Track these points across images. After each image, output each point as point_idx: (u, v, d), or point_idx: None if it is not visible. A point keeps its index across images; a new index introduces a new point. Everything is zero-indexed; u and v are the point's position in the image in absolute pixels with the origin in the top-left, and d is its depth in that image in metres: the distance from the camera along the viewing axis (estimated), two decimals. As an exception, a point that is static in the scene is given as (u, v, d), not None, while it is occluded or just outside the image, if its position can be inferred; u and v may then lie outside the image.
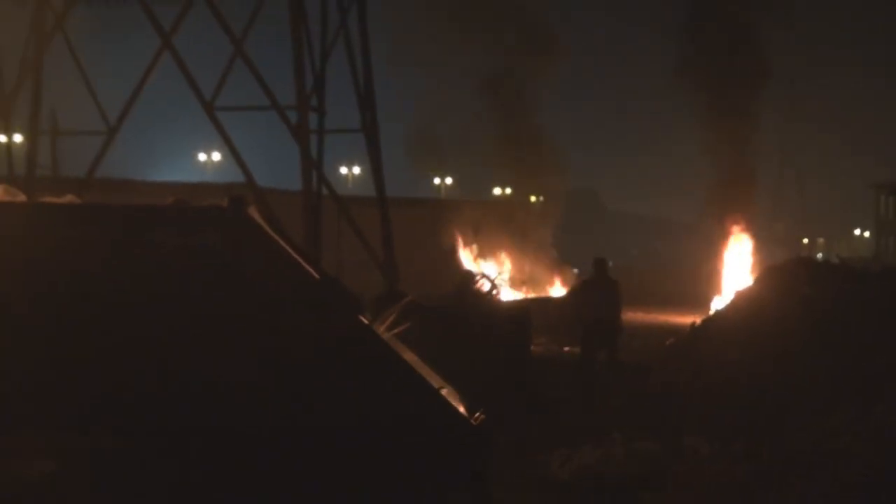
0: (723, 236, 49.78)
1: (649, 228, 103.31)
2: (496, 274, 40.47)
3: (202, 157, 75.81)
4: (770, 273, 36.22)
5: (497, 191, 57.87)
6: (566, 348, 31.69)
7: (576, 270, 49.30)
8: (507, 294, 37.98)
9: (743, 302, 34.57)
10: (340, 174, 62.24)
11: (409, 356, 9.00)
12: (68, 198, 10.82)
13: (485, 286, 36.23)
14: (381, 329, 9.13)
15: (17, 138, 34.54)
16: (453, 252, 44.76)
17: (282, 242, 9.09)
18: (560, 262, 49.54)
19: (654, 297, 47.53)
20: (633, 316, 41.75)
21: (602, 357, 24.10)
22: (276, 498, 8.40)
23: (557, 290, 44.81)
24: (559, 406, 20.51)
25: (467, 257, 44.91)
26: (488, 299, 33.16)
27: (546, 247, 49.53)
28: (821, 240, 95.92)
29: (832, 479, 14.36)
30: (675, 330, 36.70)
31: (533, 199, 55.18)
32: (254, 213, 9.00)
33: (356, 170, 58.48)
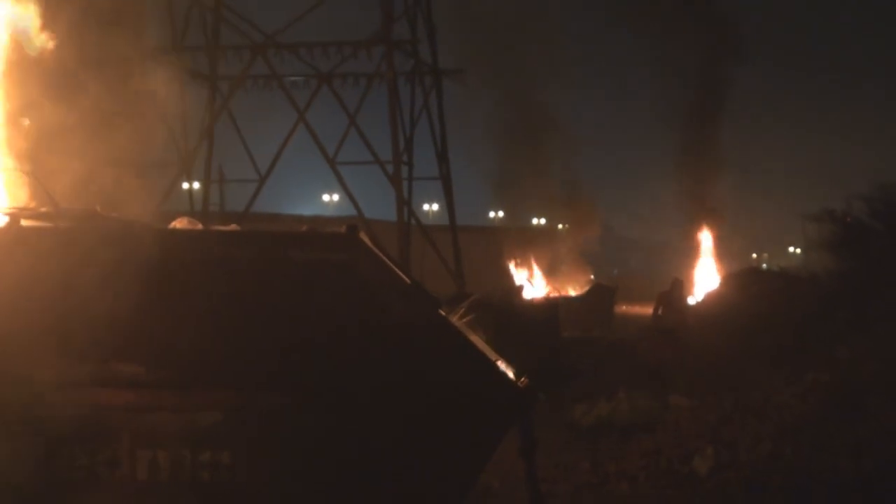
0: (695, 252, 49.59)
1: (627, 246, 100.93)
2: (534, 280, 40.39)
3: (326, 197, 75.76)
4: (729, 278, 36.19)
5: (535, 220, 57.60)
6: None
7: (592, 276, 48.90)
8: (542, 294, 37.79)
9: (710, 299, 34.63)
10: (423, 209, 62.15)
11: (474, 338, 9.00)
12: (232, 226, 10.89)
13: (526, 289, 36.20)
14: (453, 319, 9.14)
15: (196, 185, 34.69)
16: (504, 265, 44.58)
17: (384, 258, 9.13)
18: (586, 272, 49.17)
19: (645, 296, 47.27)
20: (630, 309, 41.61)
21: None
22: (385, 438, 8.42)
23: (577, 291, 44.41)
24: (581, 373, 20.45)
25: (514, 269, 44.69)
26: (529, 298, 33.12)
27: (570, 261, 49.24)
28: (765, 254, 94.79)
29: (775, 422, 14.36)
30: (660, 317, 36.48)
31: (560, 226, 54.98)
32: (364, 237, 9.03)
33: (435, 206, 58.27)
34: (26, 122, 11.88)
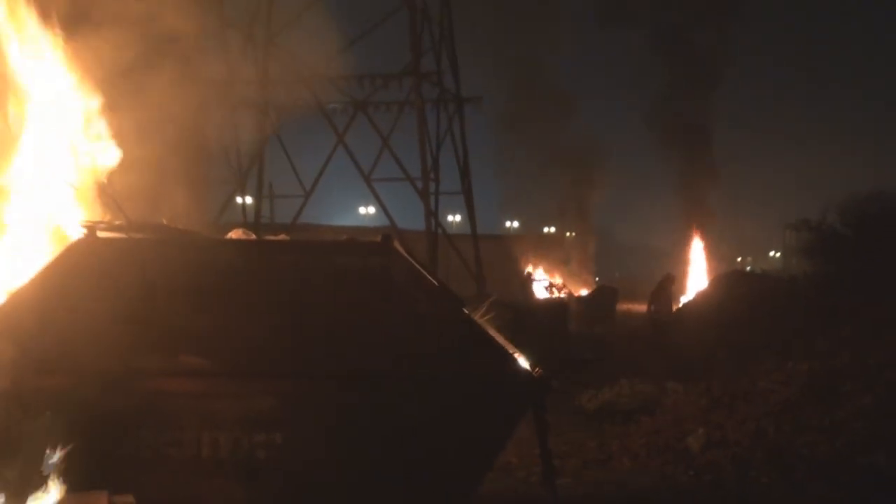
0: (688, 256, 49.51)
1: (627, 251, 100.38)
2: (547, 281, 40.34)
3: (362, 209, 75.79)
4: (718, 279, 36.09)
5: (546, 229, 57.56)
6: None
7: (597, 279, 48.82)
8: (552, 293, 37.73)
9: (701, 297, 34.49)
10: (448, 220, 62.13)
11: (493, 332, 9.01)
12: (281, 236, 10.93)
13: (540, 289, 36.09)
14: (476, 316, 9.15)
15: (249, 200, 34.80)
16: (520, 269, 44.51)
17: (414, 263, 9.15)
18: (591, 274, 49.07)
19: (642, 293, 47.17)
20: (632, 306, 41.51)
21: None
22: (416, 421, 8.42)
23: (583, 291, 44.33)
24: (586, 363, 20.42)
25: (529, 272, 44.64)
26: (541, 297, 33.04)
27: (580, 264, 49.15)
28: (749, 258, 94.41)
29: (759, 406, 14.32)
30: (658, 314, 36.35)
31: (568, 234, 54.91)
32: (397, 245, 9.05)
33: (458, 217, 58.25)
34: (102, 139, 11.90)
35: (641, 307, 42.07)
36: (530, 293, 37.69)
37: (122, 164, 12.45)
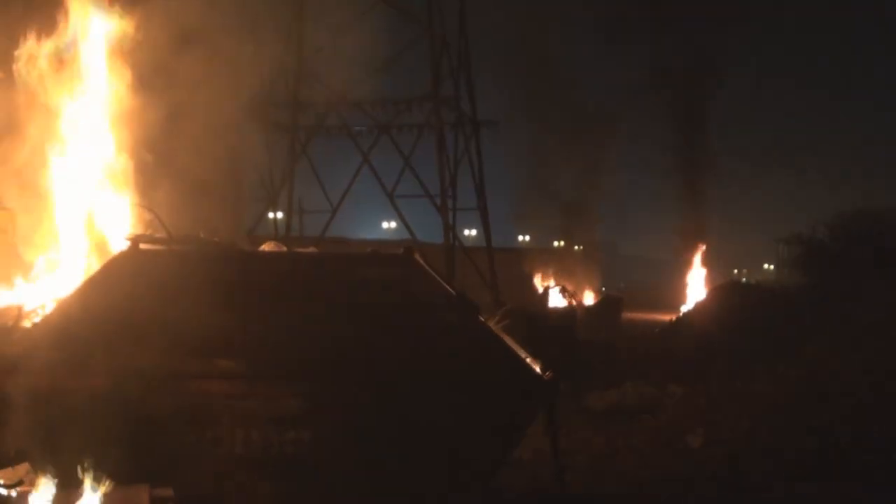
0: (687, 268, 49.36)
1: (631, 264, 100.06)
2: (557, 290, 40.28)
3: (385, 224, 75.88)
4: (715, 290, 35.92)
5: (555, 242, 57.36)
6: None
7: (603, 288, 48.67)
8: (563, 302, 37.64)
9: (700, 307, 34.34)
10: (465, 234, 62.08)
11: (507, 338, 9.01)
12: (310, 249, 10.93)
13: (553, 298, 36.03)
14: (491, 323, 9.14)
15: (280, 215, 34.89)
16: (532, 279, 44.45)
17: (433, 273, 9.15)
18: (597, 284, 48.89)
19: (646, 304, 47.06)
20: (634, 315, 41.40)
21: None
22: (434, 420, 8.42)
23: (590, 301, 44.17)
24: (594, 367, 20.37)
25: (540, 282, 44.51)
26: (556, 304, 33.02)
27: (585, 276, 49.02)
28: (745, 270, 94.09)
29: (752, 407, 14.33)
30: (660, 323, 36.28)
31: (576, 247, 54.86)
32: (418, 257, 9.05)
33: (474, 231, 58.25)
34: (149, 157, 11.96)
35: (644, 316, 42.13)
36: (546, 303, 37.67)
37: (164, 182, 12.50)
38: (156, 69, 12.47)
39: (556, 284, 42.09)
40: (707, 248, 49.80)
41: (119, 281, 8.65)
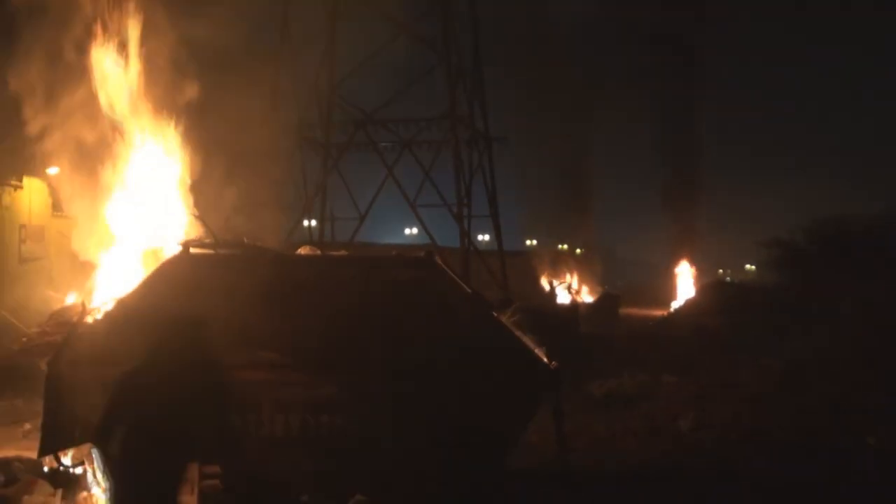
0: (677, 268, 49.35)
1: (627, 265, 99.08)
2: (562, 288, 40.25)
3: (407, 230, 75.88)
4: (703, 288, 35.84)
5: (560, 246, 57.35)
6: None
7: (605, 286, 48.57)
8: (567, 299, 37.59)
9: (690, 303, 34.22)
10: (479, 238, 62.03)
11: (518, 332, 8.97)
12: (342, 252, 10.94)
13: (560, 295, 35.93)
14: (503, 318, 9.11)
15: (314, 222, 35.03)
16: (540, 281, 44.46)
17: (451, 274, 9.13)
18: (597, 283, 48.81)
19: (640, 300, 46.94)
20: (631, 310, 41.31)
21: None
22: (452, 408, 8.39)
23: (590, 298, 44.07)
24: (595, 358, 20.31)
25: (546, 281, 44.48)
26: (562, 301, 32.92)
27: (590, 274, 48.95)
28: (729, 270, 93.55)
29: (738, 395, 14.32)
30: (654, 318, 36.23)
31: (578, 250, 54.85)
32: (437, 260, 9.04)
33: (487, 236, 58.29)
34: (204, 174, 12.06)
35: (640, 311, 42.04)
36: (554, 300, 37.67)
37: (212, 193, 12.53)
38: (206, 96, 12.57)
39: (562, 282, 42.09)
40: (694, 250, 49.80)
41: (171, 282, 8.66)
